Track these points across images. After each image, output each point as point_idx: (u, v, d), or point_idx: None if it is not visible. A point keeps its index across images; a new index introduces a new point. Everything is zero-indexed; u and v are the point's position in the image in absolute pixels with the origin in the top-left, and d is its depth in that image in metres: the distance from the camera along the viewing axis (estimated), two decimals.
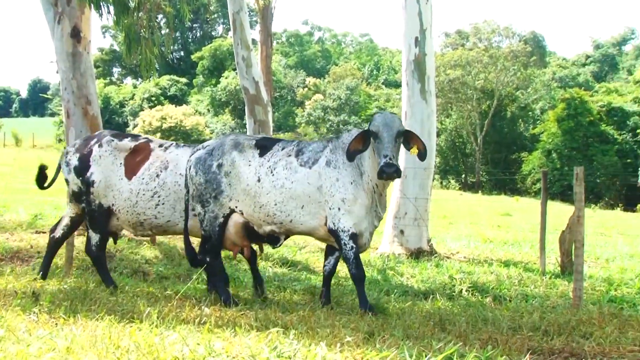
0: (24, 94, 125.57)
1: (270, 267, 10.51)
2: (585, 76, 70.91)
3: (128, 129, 57.30)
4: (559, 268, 10.80)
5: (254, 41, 20.58)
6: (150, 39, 12.37)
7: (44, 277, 8.22)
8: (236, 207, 7.35)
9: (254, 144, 7.46)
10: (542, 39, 65.78)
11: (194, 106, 61.35)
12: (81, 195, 8.16)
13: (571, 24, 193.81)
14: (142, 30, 12.36)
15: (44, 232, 12.12)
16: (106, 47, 77.73)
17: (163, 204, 7.86)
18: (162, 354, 4.32)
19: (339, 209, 6.99)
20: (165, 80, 66.28)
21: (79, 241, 10.77)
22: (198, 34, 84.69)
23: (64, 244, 8.96)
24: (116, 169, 8.03)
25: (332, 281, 9.50)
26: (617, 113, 49.41)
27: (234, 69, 50.03)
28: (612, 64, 76.75)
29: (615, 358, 5.33)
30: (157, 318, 5.50)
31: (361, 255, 7.34)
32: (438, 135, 39.46)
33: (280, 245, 7.64)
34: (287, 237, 7.56)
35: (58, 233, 8.52)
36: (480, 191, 48.07)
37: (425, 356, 4.57)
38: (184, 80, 68.03)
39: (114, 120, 60.16)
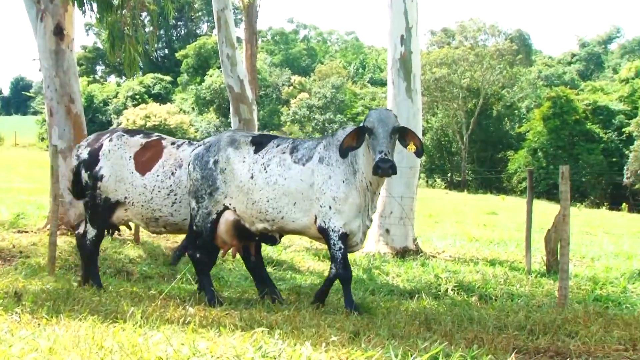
0: (6, 92, 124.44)
1: None
2: (571, 75, 71.12)
3: (112, 127, 57.01)
4: (544, 267, 10.83)
5: (238, 39, 20.56)
6: (134, 36, 12.31)
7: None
8: (230, 204, 7.32)
9: (249, 141, 7.43)
10: (528, 37, 66.01)
11: (179, 105, 61.05)
12: (86, 190, 8.06)
13: (557, 22, 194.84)
14: (125, 28, 12.30)
15: (26, 232, 12.05)
16: (89, 45, 77.14)
17: (180, 202, 7.79)
18: (145, 354, 4.27)
19: (329, 207, 6.93)
20: (149, 78, 65.89)
21: (62, 240, 10.70)
22: (182, 32, 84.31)
23: (48, 243, 8.87)
24: (125, 163, 7.93)
25: (317, 280, 9.50)
26: (603, 112, 49.73)
27: (219, 67, 49.96)
28: (598, 63, 77.05)
29: (601, 357, 5.33)
30: (141, 318, 5.46)
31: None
32: (424, 133, 39.40)
33: (277, 243, 7.67)
34: (281, 236, 7.54)
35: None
36: (466, 190, 48.24)
37: (411, 356, 4.54)
38: (168, 78, 67.60)
39: (98, 119, 59.72)
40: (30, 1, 12.45)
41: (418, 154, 7.06)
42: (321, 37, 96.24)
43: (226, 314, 6.30)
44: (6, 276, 8.22)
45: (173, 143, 8.11)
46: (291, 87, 65.41)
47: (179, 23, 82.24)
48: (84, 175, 8.05)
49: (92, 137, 8.42)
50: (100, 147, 8.05)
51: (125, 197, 7.93)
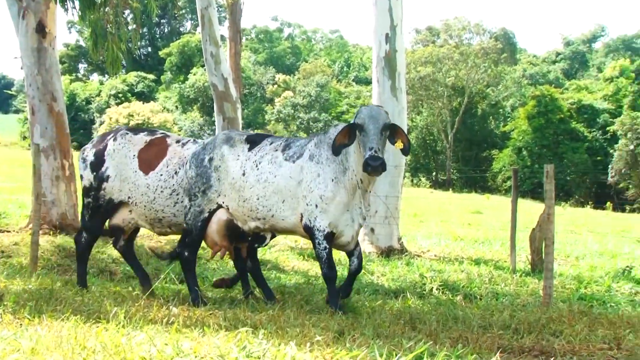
0: None
1: None
2: (556, 73, 71.47)
3: (94, 126, 56.81)
4: (529, 266, 10.84)
5: (222, 37, 20.50)
6: (116, 34, 12.23)
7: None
8: (223, 202, 7.27)
9: (244, 139, 7.39)
10: (512, 35, 66.46)
11: (162, 103, 60.92)
12: (90, 191, 7.94)
13: (542, 20, 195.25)
14: (108, 26, 12.23)
15: (8, 231, 11.96)
16: (72, 43, 76.86)
17: (182, 202, 7.67)
18: (129, 354, 4.24)
19: (316, 205, 6.85)
20: (132, 76, 65.71)
21: (44, 240, 10.63)
22: (166, 30, 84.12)
23: (30, 243, 8.80)
24: (129, 162, 7.79)
25: (302, 280, 9.47)
26: (587, 110, 50.08)
27: (203, 66, 49.91)
28: (582, 61, 77.42)
29: (585, 356, 5.33)
30: (124, 318, 5.41)
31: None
32: (409, 132, 39.35)
33: (266, 244, 7.64)
34: (273, 235, 7.49)
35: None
36: (450, 189, 48.44)
37: (396, 355, 4.52)
38: (151, 76, 67.42)
39: (80, 117, 59.55)
40: None
41: (405, 151, 7.00)
42: (305, 35, 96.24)
43: (210, 314, 6.27)
44: None
45: (178, 141, 7.94)
46: (275, 86, 65.44)
47: (162, 21, 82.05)
48: (90, 176, 7.91)
49: (96, 138, 8.32)
50: (105, 147, 7.92)
51: (129, 197, 7.78)
